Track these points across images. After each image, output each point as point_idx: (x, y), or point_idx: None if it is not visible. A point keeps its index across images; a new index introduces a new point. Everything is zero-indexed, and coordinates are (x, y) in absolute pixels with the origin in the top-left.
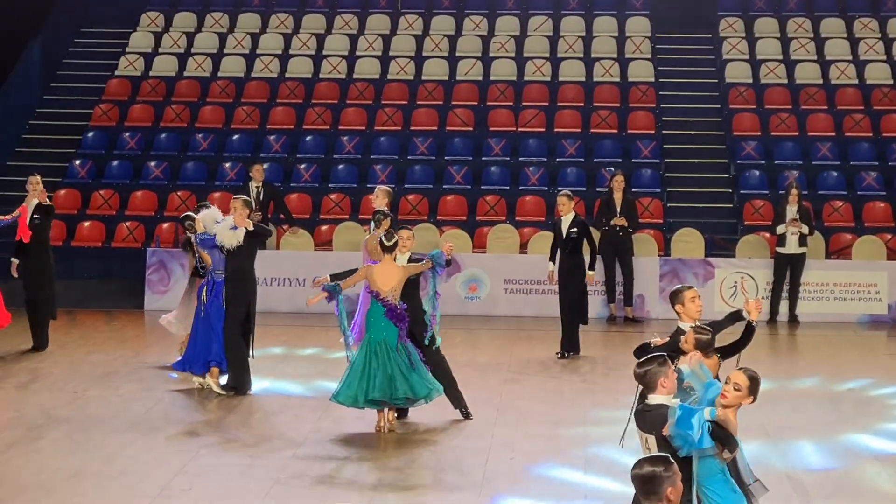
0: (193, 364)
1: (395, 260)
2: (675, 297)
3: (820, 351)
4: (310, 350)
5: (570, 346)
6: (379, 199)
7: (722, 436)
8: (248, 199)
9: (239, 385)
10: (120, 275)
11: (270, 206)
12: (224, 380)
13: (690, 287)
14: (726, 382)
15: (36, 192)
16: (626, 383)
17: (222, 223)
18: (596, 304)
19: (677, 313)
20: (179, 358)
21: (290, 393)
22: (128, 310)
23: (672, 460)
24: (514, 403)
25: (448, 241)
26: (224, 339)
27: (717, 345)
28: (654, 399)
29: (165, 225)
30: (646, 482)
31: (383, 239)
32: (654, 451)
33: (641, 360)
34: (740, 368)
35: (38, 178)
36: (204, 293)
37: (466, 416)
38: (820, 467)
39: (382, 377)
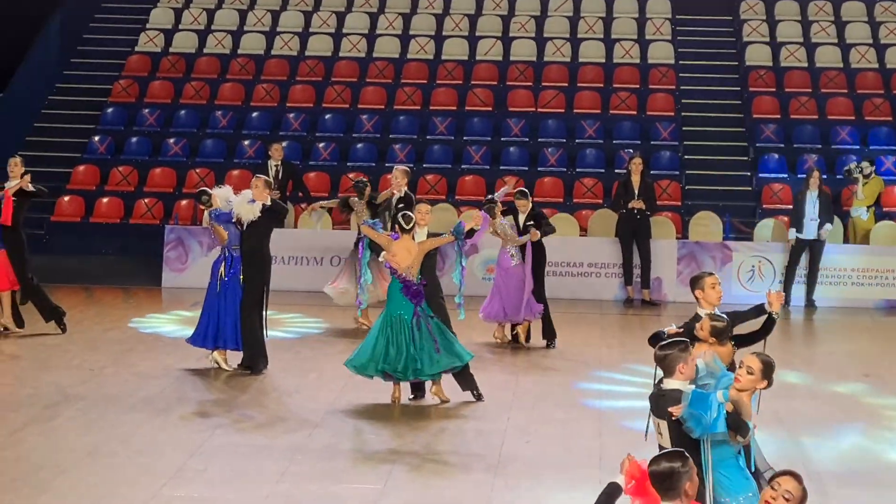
0: (205, 338)
1: (413, 238)
2: (695, 283)
3: (837, 336)
4: (326, 329)
5: (549, 333)
6: (398, 178)
7: (734, 421)
8: (269, 179)
9: (254, 364)
10: (138, 252)
11: (289, 184)
12: (233, 358)
13: (711, 273)
14: (739, 366)
15: (16, 175)
16: (643, 366)
17: (240, 196)
18: (613, 287)
19: (697, 299)
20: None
21: (305, 372)
22: (145, 286)
23: (688, 455)
24: (530, 387)
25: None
26: (241, 318)
27: (734, 333)
28: (669, 384)
29: (184, 202)
30: (664, 479)
31: (401, 220)
32: (666, 437)
33: (664, 343)
34: (754, 353)
35: (18, 160)
36: (222, 268)
37: (478, 398)
38: (834, 456)
39: (396, 352)
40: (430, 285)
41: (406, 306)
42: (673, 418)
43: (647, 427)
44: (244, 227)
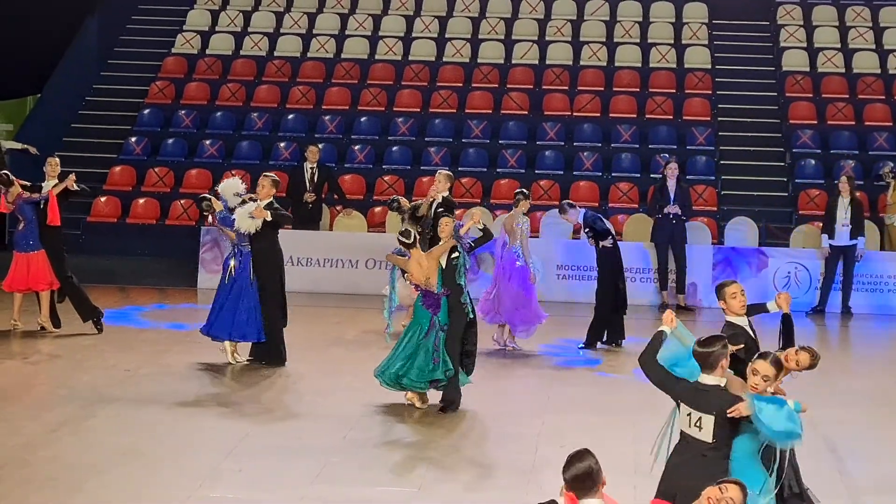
0: (219, 329)
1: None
2: (718, 293)
3: (872, 344)
4: (361, 331)
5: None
6: (440, 183)
7: None
8: (276, 178)
9: (274, 357)
10: (174, 253)
11: (325, 186)
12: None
13: (734, 282)
14: (754, 374)
15: (53, 175)
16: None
17: (243, 209)
18: (648, 292)
19: (722, 309)
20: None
21: (340, 374)
22: (181, 288)
23: (590, 450)
24: (565, 391)
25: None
26: (263, 313)
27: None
28: (707, 379)
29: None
30: (585, 479)
31: (400, 237)
32: (707, 431)
33: (704, 339)
34: (759, 357)
35: (56, 160)
36: (232, 263)
37: (441, 409)
38: (870, 464)
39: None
40: (453, 294)
41: (425, 315)
42: (731, 415)
43: (670, 432)
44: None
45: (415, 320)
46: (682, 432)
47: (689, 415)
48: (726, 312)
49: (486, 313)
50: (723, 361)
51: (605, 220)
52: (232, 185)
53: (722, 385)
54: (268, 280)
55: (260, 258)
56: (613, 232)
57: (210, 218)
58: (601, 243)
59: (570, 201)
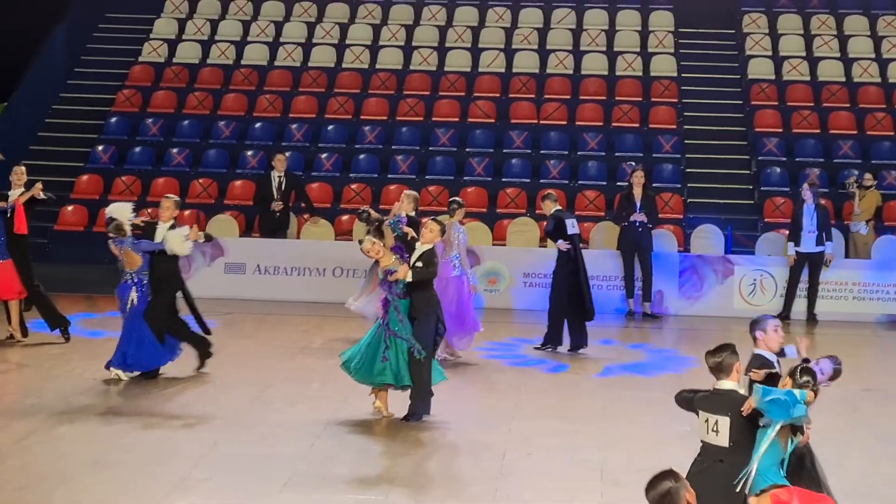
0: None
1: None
2: (757, 324)
3: (837, 351)
4: (328, 339)
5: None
6: (405, 204)
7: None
8: (178, 199)
9: (203, 350)
10: None
11: (292, 195)
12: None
13: (775, 317)
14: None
15: (20, 184)
16: (643, 376)
17: (175, 232)
18: (614, 300)
19: (754, 339)
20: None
21: (307, 382)
22: None
23: (676, 471)
24: (532, 398)
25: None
26: (168, 327)
27: None
28: (724, 384)
29: (187, 212)
30: (662, 499)
31: (361, 244)
32: (724, 434)
33: (713, 349)
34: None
35: (22, 169)
36: (133, 294)
37: (406, 418)
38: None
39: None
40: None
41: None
42: (745, 415)
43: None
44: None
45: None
46: (701, 441)
47: (707, 420)
48: (757, 344)
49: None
50: (736, 366)
51: (571, 224)
52: (124, 208)
53: (739, 389)
54: (163, 296)
55: (161, 276)
56: (575, 236)
57: (113, 245)
58: (558, 244)
59: (554, 195)
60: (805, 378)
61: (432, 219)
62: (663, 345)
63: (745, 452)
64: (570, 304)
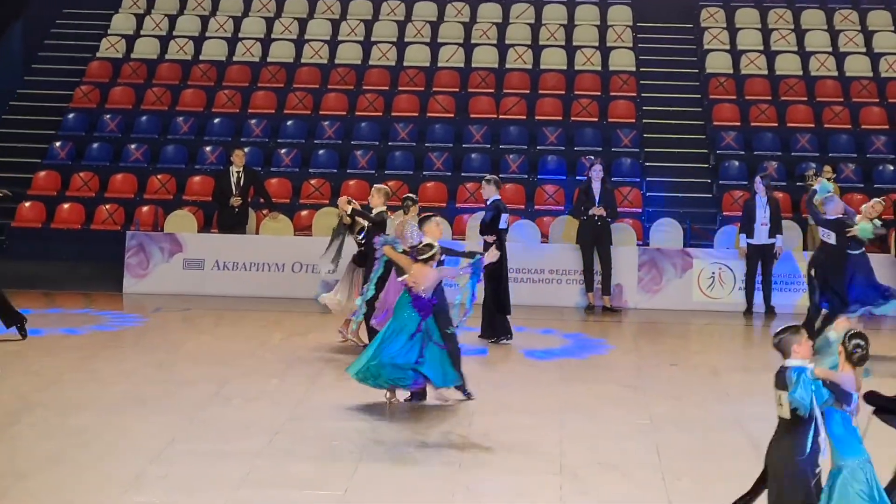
0: None
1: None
2: (791, 338)
3: None
4: (287, 335)
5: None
6: (376, 199)
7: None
8: None
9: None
10: (99, 258)
11: (251, 190)
12: None
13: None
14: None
15: None
16: (603, 371)
17: None
18: (574, 294)
19: (787, 352)
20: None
21: (266, 378)
22: (106, 292)
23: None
24: (491, 391)
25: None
26: None
27: None
28: (789, 363)
29: (145, 208)
30: (780, 342)
31: (416, 253)
32: (785, 407)
33: (778, 329)
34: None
35: None
36: None
37: (468, 396)
38: None
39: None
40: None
41: (413, 317)
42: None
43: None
44: None
45: (397, 320)
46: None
47: (777, 396)
48: (788, 356)
49: (375, 316)
50: (794, 346)
51: (505, 219)
52: None
53: (806, 365)
54: None
55: None
56: (502, 231)
57: None
58: (484, 237)
59: (498, 180)
60: (856, 342)
61: (427, 215)
62: (622, 338)
63: (804, 423)
64: (492, 298)
